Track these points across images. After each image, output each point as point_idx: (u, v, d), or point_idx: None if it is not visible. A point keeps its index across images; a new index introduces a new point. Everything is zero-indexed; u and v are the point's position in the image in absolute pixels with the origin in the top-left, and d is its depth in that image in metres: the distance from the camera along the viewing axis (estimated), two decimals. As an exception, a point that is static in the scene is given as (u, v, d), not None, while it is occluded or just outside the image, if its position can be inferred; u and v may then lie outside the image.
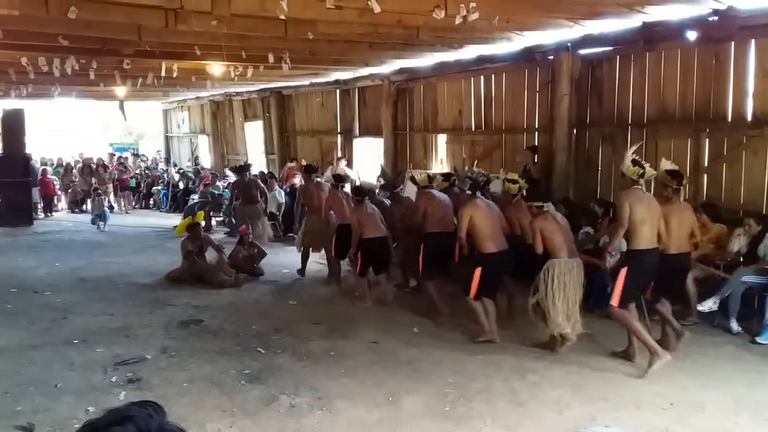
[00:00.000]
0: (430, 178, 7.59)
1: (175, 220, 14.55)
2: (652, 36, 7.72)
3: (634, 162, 5.49)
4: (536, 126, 9.79)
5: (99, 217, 14.22)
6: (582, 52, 8.78)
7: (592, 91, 8.90)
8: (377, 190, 10.08)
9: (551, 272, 5.76)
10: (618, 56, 8.53)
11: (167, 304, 7.82)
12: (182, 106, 22.08)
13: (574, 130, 9.09)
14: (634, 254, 5.45)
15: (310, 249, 9.28)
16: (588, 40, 8.45)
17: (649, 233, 5.40)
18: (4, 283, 8.90)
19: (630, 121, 8.42)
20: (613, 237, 5.70)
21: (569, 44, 8.64)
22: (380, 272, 7.90)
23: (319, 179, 9.83)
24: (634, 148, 5.74)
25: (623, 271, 5.43)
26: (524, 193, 6.69)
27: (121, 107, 17.10)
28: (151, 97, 19.78)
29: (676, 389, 5.09)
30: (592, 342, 6.29)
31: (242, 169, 12.15)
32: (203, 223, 12.02)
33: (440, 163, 11.78)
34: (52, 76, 9.79)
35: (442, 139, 11.84)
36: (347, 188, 9.03)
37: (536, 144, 9.53)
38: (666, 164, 5.88)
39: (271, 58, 8.75)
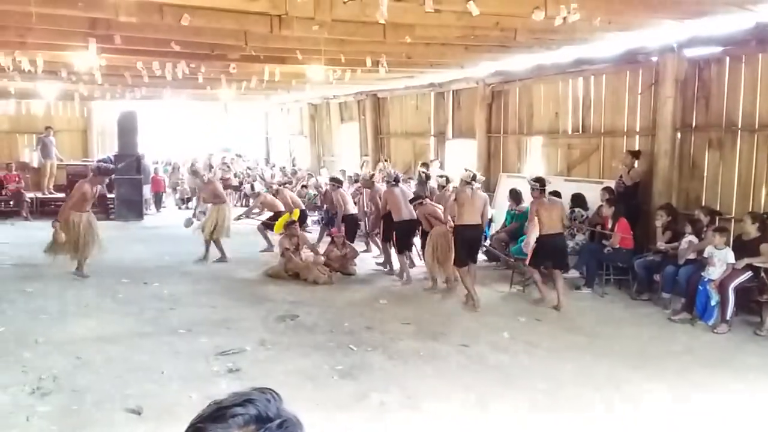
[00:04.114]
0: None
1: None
2: (766, 36, 7.30)
3: (467, 169, 8.37)
4: (637, 129, 9.46)
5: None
6: (688, 53, 8.41)
7: (698, 94, 8.50)
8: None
9: (432, 236, 8.64)
10: (728, 57, 8.11)
11: (265, 299, 8.14)
12: (282, 109, 22.79)
13: (678, 134, 8.72)
14: (458, 228, 7.88)
15: (216, 238, 10.55)
16: (695, 41, 8.08)
17: (468, 216, 7.78)
18: (116, 273, 9.50)
19: (740, 126, 7.99)
20: (445, 217, 8.38)
21: (675, 45, 8.30)
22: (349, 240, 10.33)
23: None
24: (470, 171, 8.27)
25: (454, 243, 7.96)
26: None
27: (226, 109, 17.85)
28: (253, 100, 20.53)
29: (785, 409, 4.82)
30: (693, 356, 6.05)
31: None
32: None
33: (534, 166, 11.59)
34: (164, 80, 10.38)
35: (537, 142, 11.65)
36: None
37: (638, 149, 9.18)
38: (532, 175, 8.79)
39: (368, 61, 8.91)
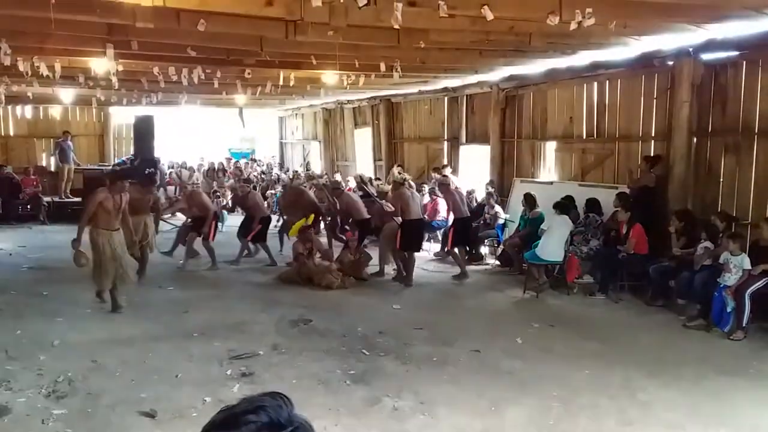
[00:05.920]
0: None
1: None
2: (784, 40, 7.23)
3: (400, 173, 10.86)
4: (652, 134, 9.40)
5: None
6: (704, 57, 8.35)
7: (715, 99, 8.44)
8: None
9: (384, 230, 10.01)
10: (744, 62, 8.05)
11: (278, 303, 8.16)
12: (296, 114, 22.87)
13: (694, 139, 8.65)
14: (405, 222, 9.28)
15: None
16: (712, 45, 8.02)
17: (413, 211, 9.43)
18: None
19: (757, 130, 7.91)
20: (394, 214, 9.51)
21: (691, 49, 8.24)
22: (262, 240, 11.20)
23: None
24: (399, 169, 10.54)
25: (399, 232, 9.28)
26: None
27: (241, 114, 17.93)
28: (268, 105, 20.60)
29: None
30: (709, 363, 5.99)
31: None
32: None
33: (548, 171, 11.56)
34: (180, 85, 10.45)
35: (551, 146, 11.61)
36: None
37: (657, 154, 9.07)
38: (447, 171, 11.70)
39: (382, 66, 8.93)
